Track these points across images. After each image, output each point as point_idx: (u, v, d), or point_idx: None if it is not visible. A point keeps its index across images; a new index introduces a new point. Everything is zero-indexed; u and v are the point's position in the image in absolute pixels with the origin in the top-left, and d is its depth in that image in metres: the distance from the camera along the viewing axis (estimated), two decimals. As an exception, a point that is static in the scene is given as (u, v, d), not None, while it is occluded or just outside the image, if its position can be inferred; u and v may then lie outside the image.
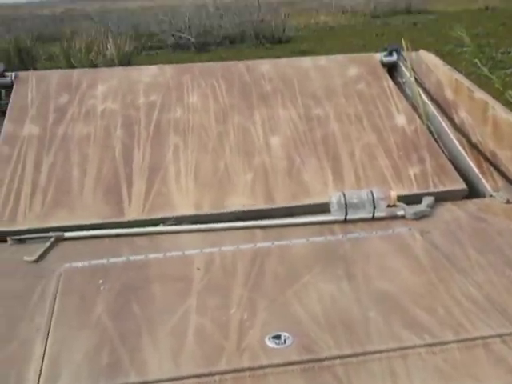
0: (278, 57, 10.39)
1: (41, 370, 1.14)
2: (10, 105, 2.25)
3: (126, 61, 10.01)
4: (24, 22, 19.87)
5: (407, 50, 2.64)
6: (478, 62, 6.28)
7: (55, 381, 1.11)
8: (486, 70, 5.83)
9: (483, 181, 2.02)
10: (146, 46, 13.85)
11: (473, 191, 2.01)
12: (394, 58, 2.62)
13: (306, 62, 2.62)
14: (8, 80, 2.38)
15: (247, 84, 2.43)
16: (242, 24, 14.86)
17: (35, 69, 10.45)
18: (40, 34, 15.76)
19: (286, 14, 16.08)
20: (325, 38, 14.24)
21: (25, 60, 10.65)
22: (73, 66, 10.11)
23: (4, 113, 2.22)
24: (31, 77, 2.41)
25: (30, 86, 2.35)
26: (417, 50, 2.69)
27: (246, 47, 13.49)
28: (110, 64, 9.74)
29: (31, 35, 13.07)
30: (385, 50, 2.65)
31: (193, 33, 13.85)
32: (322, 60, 2.64)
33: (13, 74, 2.40)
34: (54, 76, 2.44)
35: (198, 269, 1.51)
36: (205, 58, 11.92)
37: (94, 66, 9.83)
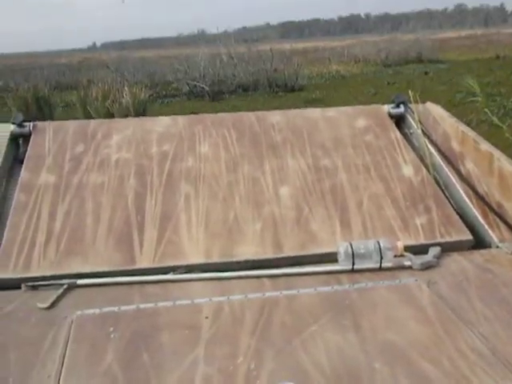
0: (291, 105, 10.49)
1: None
2: (27, 154, 2.31)
3: (142, 109, 10.19)
4: (42, 70, 20.36)
5: (415, 102, 2.69)
6: (488, 111, 6.35)
7: None
8: (495, 120, 5.89)
9: (489, 231, 2.03)
10: (161, 94, 14.11)
11: (479, 242, 2.02)
12: (402, 109, 2.67)
13: (315, 113, 2.67)
14: (26, 130, 2.44)
15: (257, 134, 2.47)
16: (255, 73, 15.13)
17: (52, 116, 10.66)
18: (57, 83, 16.14)
19: (299, 63, 16.36)
20: (337, 86, 14.43)
21: (43, 108, 10.88)
22: (89, 114, 10.32)
23: (22, 161, 2.28)
24: (48, 127, 2.48)
25: (47, 135, 2.41)
26: (424, 102, 2.74)
27: (259, 95, 13.69)
28: (126, 112, 9.91)
29: (49, 84, 13.36)
30: (392, 102, 2.70)
31: (207, 81, 14.11)
32: (331, 111, 2.68)
33: (31, 123, 2.46)
34: (71, 126, 2.50)
35: (207, 317, 1.52)
36: (218, 106, 12.12)
37: (109, 113, 10.00)
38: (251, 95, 13.88)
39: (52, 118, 10.87)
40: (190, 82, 14.34)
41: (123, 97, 10.24)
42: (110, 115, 10.03)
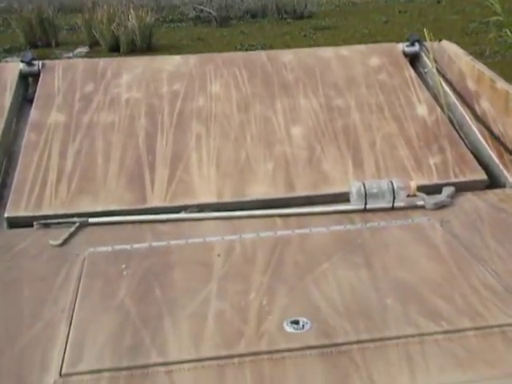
0: (300, 32, 10.25)
1: (65, 351, 1.18)
2: (36, 93, 2.30)
3: (148, 33, 10.00)
4: (46, -9, 19.87)
5: (429, 40, 2.64)
6: (509, 32, 6.18)
7: (79, 361, 1.15)
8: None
9: (504, 171, 2.02)
10: (168, 18, 13.80)
11: (493, 182, 2.01)
12: (416, 48, 2.62)
13: (328, 51, 2.63)
14: (35, 68, 2.41)
15: (269, 73, 2.45)
16: (263, -2, 14.73)
17: (57, 40, 10.49)
18: (62, 5, 15.74)
19: (309, -11, 15.92)
20: (347, 13, 14.05)
21: (47, 30, 10.67)
22: (94, 37, 10.13)
23: (31, 101, 2.27)
24: (58, 65, 2.45)
25: (56, 74, 2.39)
26: (439, 39, 2.69)
27: (268, 22, 13.38)
28: (132, 36, 9.73)
29: (53, 6, 13.05)
30: (407, 40, 2.65)
31: (214, 6, 13.77)
32: (344, 50, 2.65)
33: (40, 62, 2.43)
34: (80, 65, 2.48)
35: (219, 255, 1.53)
36: (226, 32, 11.88)
37: (115, 37, 9.83)
38: (259, 22, 13.52)
39: (57, 41, 10.70)
40: (197, 7, 14.00)
41: (129, 20, 10.00)
42: (115, 38, 9.86)
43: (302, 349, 1.17)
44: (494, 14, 7.16)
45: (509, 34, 6.53)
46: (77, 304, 1.33)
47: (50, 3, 15.04)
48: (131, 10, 10.30)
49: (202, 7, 13.88)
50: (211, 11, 13.50)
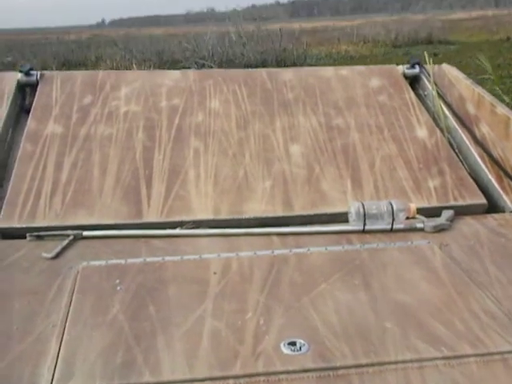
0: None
1: (55, 367, 1.14)
2: (34, 103, 2.27)
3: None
4: (51, 46, 20.28)
5: (429, 63, 2.64)
6: (500, 90, 6.30)
7: (69, 378, 1.12)
8: (507, 99, 5.85)
9: (503, 196, 2.01)
10: (170, 72, 14.00)
11: (493, 206, 1.99)
12: (417, 70, 2.62)
13: (328, 71, 2.61)
14: (33, 79, 2.39)
15: (269, 91, 2.43)
16: (264, 52, 15.01)
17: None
18: (66, 59, 16.08)
19: (308, 43, 16.22)
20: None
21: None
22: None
23: (28, 111, 2.24)
24: (56, 76, 2.43)
25: (54, 85, 2.36)
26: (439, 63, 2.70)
27: (268, 75, 13.57)
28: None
29: (57, 60, 13.31)
30: (407, 62, 2.65)
31: (216, 60, 14.04)
32: (345, 70, 2.63)
33: (38, 72, 2.41)
34: (79, 76, 2.45)
35: (215, 273, 1.50)
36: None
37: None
38: (260, 75, 13.80)
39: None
40: (199, 61, 14.27)
41: (132, 74, 10.22)
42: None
43: (299, 371, 1.14)
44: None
45: (500, 92, 6.65)
46: (68, 319, 1.30)
47: (55, 58, 15.36)
48: (134, 65, 10.52)
49: (203, 61, 14.16)
50: (212, 65, 13.76)
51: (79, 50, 19.04)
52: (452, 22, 32.56)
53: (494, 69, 10.31)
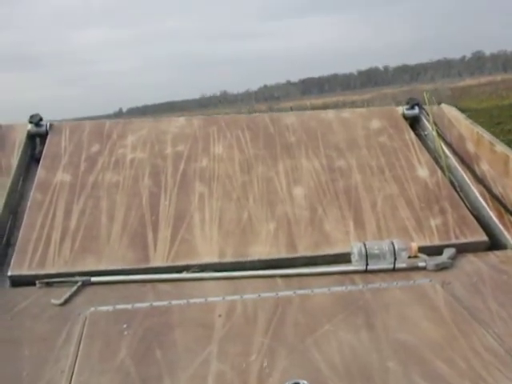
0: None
1: None
2: (44, 153, 2.32)
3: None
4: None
5: (429, 103, 2.68)
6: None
7: None
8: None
9: (505, 233, 2.01)
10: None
11: (494, 243, 2.00)
12: (416, 111, 2.65)
13: (329, 114, 2.66)
14: (43, 129, 2.45)
15: (271, 135, 2.47)
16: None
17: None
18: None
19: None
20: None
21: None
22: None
23: (38, 160, 2.30)
24: (65, 126, 2.49)
25: (63, 135, 2.42)
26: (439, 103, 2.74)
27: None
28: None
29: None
30: (407, 103, 2.69)
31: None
32: (345, 113, 2.68)
33: (48, 123, 2.47)
34: (87, 126, 2.51)
35: (220, 316, 1.52)
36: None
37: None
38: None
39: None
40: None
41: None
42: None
43: None
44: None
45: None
46: (76, 365, 1.32)
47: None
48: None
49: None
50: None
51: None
52: (462, 89, 33.01)
53: (506, 134, 10.53)
